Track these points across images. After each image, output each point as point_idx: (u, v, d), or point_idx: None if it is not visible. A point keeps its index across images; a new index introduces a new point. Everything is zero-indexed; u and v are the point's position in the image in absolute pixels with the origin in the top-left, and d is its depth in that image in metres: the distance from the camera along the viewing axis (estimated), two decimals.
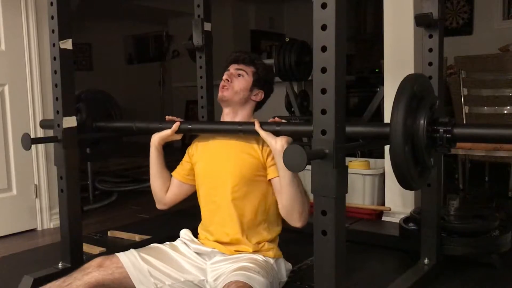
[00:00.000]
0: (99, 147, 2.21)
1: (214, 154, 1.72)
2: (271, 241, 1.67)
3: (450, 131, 1.30)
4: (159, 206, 1.86)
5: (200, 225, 1.75)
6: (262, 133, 1.54)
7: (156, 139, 1.78)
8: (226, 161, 1.67)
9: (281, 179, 1.54)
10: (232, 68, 1.74)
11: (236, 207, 1.63)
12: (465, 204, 3.00)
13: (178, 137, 1.79)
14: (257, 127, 1.55)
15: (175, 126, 1.75)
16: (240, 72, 1.72)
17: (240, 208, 1.63)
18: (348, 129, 1.29)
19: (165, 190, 1.82)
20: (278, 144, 1.50)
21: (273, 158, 1.59)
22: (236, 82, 1.71)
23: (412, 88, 1.27)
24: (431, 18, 1.77)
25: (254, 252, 1.62)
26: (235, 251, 1.62)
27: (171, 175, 1.83)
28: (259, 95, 1.74)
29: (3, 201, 2.68)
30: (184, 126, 1.77)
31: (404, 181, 1.29)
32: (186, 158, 1.82)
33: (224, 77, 1.73)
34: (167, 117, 1.84)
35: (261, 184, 1.64)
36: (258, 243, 1.64)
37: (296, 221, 1.57)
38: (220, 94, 1.71)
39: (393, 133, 1.23)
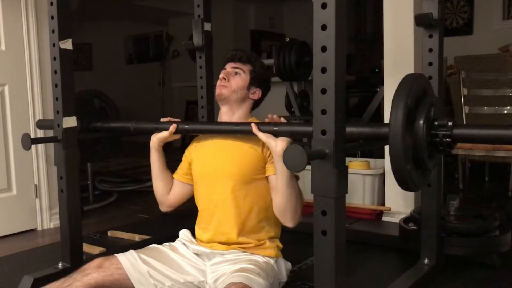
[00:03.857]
0: (98, 147, 2.20)
1: (213, 154, 1.71)
2: (271, 239, 1.67)
3: (450, 135, 1.29)
4: (163, 208, 1.85)
5: (196, 224, 1.75)
6: (261, 136, 1.53)
7: (155, 141, 1.78)
8: (225, 160, 1.67)
9: (278, 181, 1.53)
10: (229, 67, 1.73)
11: (235, 206, 1.62)
12: (465, 204, 3.00)
13: (177, 137, 1.79)
14: (254, 129, 1.53)
15: (172, 128, 1.74)
16: (237, 70, 1.71)
17: (239, 207, 1.63)
18: (347, 129, 1.28)
19: (168, 191, 1.81)
20: (278, 146, 1.49)
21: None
22: (233, 81, 1.70)
23: (410, 90, 1.25)
24: (431, 18, 1.77)
25: (256, 246, 1.62)
26: (238, 247, 1.62)
27: (172, 177, 1.83)
28: (256, 93, 1.74)
29: (3, 201, 2.68)
30: (182, 126, 1.76)
31: (404, 184, 1.28)
32: (184, 157, 1.82)
33: (221, 75, 1.72)
34: (161, 119, 1.82)
35: (260, 183, 1.64)
36: (258, 240, 1.64)
37: (288, 221, 1.58)
38: (217, 92, 1.71)
39: (392, 136, 1.21)
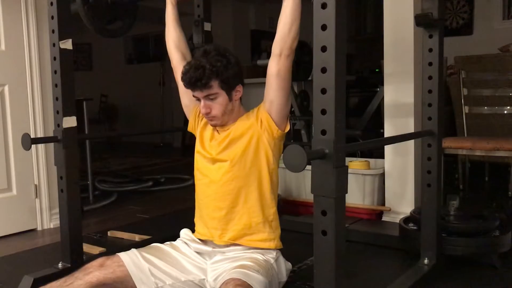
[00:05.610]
0: (117, 23, 2.20)
1: (217, 145, 1.69)
2: (270, 223, 1.65)
3: None
4: (168, 45, 1.91)
5: (196, 214, 1.76)
6: None
7: None
8: (230, 150, 1.66)
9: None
10: (200, 96, 1.61)
11: (232, 189, 1.63)
12: (465, 204, 3.00)
13: None
14: None
15: None
16: (210, 96, 1.60)
17: (235, 191, 1.63)
18: None
19: (177, 44, 1.87)
20: None
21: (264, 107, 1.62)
22: (215, 108, 1.61)
23: None
24: (431, 18, 1.77)
25: (246, 232, 1.62)
26: (228, 239, 1.63)
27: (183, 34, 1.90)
28: (239, 91, 1.67)
29: (3, 201, 2.68)
30: None
31: None
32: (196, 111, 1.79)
33: (202, 111, 1.63)
34: None
35: (260, 167, 1.63)
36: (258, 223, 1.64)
37: (293, 35, 1.62)
38: (211, 124, 1.68)
39: None
